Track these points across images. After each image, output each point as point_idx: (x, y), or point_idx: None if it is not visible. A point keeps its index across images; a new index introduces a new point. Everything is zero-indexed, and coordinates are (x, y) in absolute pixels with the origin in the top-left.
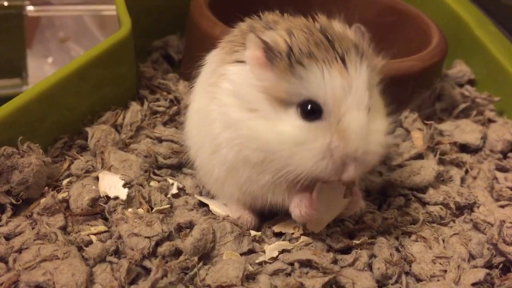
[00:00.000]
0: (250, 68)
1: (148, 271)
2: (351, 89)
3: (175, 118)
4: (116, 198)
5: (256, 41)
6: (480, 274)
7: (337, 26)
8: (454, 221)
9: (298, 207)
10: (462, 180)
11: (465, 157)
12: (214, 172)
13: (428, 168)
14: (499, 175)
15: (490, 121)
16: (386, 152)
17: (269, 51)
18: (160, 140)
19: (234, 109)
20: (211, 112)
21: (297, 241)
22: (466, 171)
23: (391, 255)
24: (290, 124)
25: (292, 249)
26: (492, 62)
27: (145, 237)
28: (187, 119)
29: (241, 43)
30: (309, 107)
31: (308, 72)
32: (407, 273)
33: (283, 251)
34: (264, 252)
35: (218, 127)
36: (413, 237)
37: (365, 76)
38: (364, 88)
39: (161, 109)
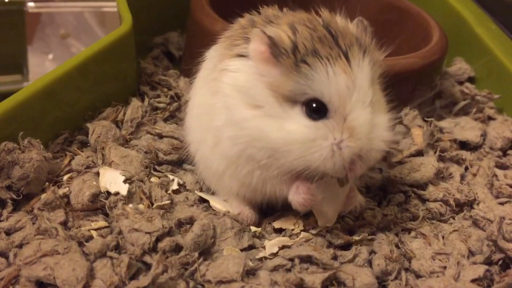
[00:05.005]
0: (254, 63)
1: (148, 266)
2: (355, 87)
3: (175, 114)
4: (117, 193)
5: (261, 35)
6: (480, 270)
7: (340, 20)
8: (453, 218)
9: (296, 194)
10: (462, 177)
11: (465, 154)
12: (213, 165)
13: (428, 165)
14: (499, 172)
15: (490, 118)
16: (388, 148)
17: (274, 47)
18: (160, 136)
19: (238, 105)
20: (214, 106)
21: (297, 237)
22: (466, 168)
23: (391, 251)
24: (297, 122)
25: (292, 245)
26: (492, 59)
27: (146, 232)
28: (188, 114)
29: (241, 37)
30: (314, 105)
31: (312, 71)
32: (406, 270)
33: (283, 247)
34: (264, 248)
35: (221, 120)
36: (413, 233)
37: (368, 72)
38: (368, 84)
39: (161, 105)
